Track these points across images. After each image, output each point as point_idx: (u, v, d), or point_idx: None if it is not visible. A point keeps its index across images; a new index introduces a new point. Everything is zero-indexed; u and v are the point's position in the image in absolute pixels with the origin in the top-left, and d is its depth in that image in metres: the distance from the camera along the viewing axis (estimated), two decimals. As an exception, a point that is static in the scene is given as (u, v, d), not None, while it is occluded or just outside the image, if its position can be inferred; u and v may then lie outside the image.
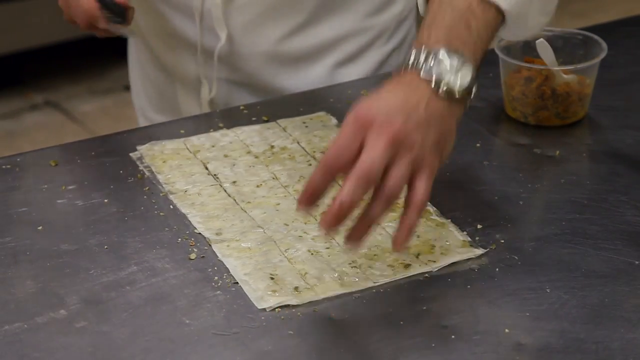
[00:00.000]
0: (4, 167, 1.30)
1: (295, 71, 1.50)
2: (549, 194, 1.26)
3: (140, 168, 1.29)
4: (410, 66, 1.06)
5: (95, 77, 3.51)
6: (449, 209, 1.21)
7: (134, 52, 1.65)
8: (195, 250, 1.15)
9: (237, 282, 1.10)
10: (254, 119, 1.39)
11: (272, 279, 1.10)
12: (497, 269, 1.12)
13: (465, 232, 1.17)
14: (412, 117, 1.03)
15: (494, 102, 1.43)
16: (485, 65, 1.47)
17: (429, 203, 1.22)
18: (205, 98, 1.52)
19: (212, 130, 1.37)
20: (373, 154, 1.00)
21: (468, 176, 1.28)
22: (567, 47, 1.42)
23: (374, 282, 1.10)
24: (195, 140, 1.35)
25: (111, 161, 1.31)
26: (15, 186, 1.27)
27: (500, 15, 1.12)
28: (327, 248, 1.14)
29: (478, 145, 1.34)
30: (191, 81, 1.53)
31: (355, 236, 1.03)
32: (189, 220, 1.20)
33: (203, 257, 1.14)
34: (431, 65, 1.05)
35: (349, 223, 1.02)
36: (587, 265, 1.12)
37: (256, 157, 1.31)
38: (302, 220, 1.19)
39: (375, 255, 1.14)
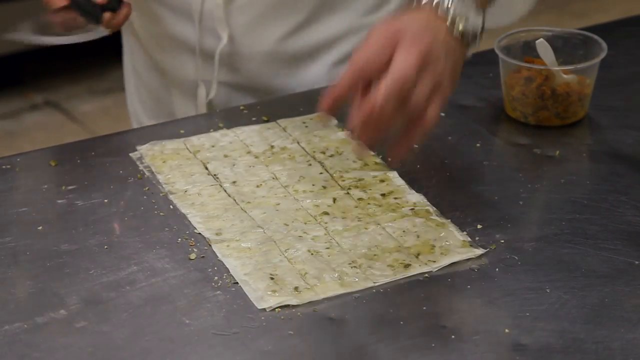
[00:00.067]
0: (4, 167, 1.30)
1: (295, 71, 1.50)
2: (549, 194, 1.26)
3: (140, 168, 1.29)
4: (427, 3, 1.11)
5: (95, 77, 3.51)
6: (449, 209, 1.21)
7: (129, 57, 1.64)
8: (195, 250, 1.15)
9: (237, 282, 1.10)
10: (254, 119, 1.39)
11: (272, 279, 1.10)
12: (497, 269, 1.12)
13: (465, 232, 1.17)
14: (437, 38, 1.08)
15: (494, 102, 1.43)
16: (485, 65, 1.48)
17: (428, 203, 1.22)
18: (202, 101, 1.51)
19: (212, 130, 1.37)
20: (407, 63, 1.05)
21: (468, 176, 1.28)
22: (567, 47, 1.42)
23: (374, 282, 1.10)
24: (195, 140, 1.35)
25: (111, 161, 1.30)
26: (15, 186, 1.27)
27: None
28: (327, 248, 1.14)
29: (478, 145, 1.34)
30: (188, 84, 1.53)
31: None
32: (189, 220, 1.20)
33: (203, 257, 1.14)
34: (448, 5, 1.11)
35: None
36: (587, 265, 1.12)
37: (256, 157, 1.31)
38: (302, 220, 1.19)
39: (375, 255, 1.14)
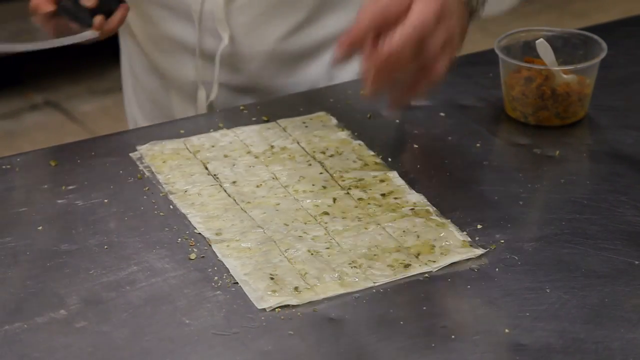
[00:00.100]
0: (4, 167, 1.30)
1: (294, 70, 1.50)
2: (549, 194, 1.26)
3: (140, 168, 1.29)
4: None
5: (95, 77, 3.51)
6: (449, 209, 1.21)
7: (126, 59, 1.63)
8: (195, 250, 1.15)
9: (237, 282, 1.10)
10: (254, 119, 1.39)
11: (272, 279, 1.10)
12: (497, 269, 1.12)
13: (465, 232, 1.17)
14: None
15: (494, 102, 1.43)
16: (485, 65, 1.48)
17: (428, 203, 1.22)
18: (202, 103, 1.51)
19: (212, 130, 1.37)
20: (427, 12, 1.07)
21: (468, 176, 1.28)
22: (567, 47, 1.42)
23: (374, 282, 1.10)
24: (195, 140, 1.35)
25: (111, 161, 1.30)
26: (15, 186, 1.27)
27: None
28: (327, 248, 1.14)
29: (478, 145, 1.34)
30: (187, 86, 1.52)
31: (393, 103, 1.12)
32: (189, 220, 1.20)
33: (203, 257, 1.14)
34: None
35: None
36: (587, 265, 1.12)
37: (256, 157, 1.31)
38: (302, 220, 1.19)
39: (375, 255, 1.14)
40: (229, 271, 1.11)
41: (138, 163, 1.30)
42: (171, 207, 1.22)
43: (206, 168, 1.29)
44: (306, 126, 1.37)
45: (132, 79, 1.62)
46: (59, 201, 1.23)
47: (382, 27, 1.08)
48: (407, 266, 1.12)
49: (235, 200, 1.23)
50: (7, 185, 1.27)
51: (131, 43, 1.58)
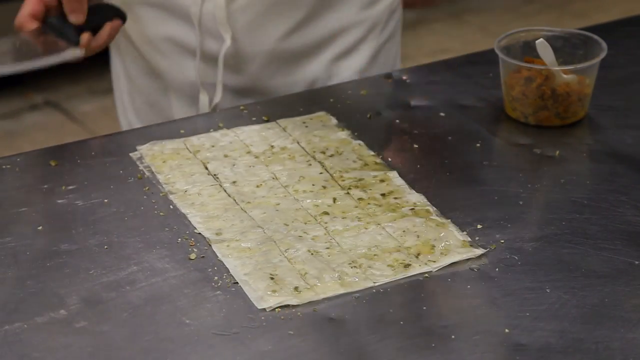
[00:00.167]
0: (4, 167, 1.30)
1: (294, 69, 1.50)
2: (549, 194, 1.26)
3: (140, 168, 1.29)
4: None
5: (95, 77, 3.51)
6: (449, 209, 1.21)
7: (120, 64, 1.60)
8: (195, 250, 1.15)
9: (237, 282, 1.10)
10: (254, 119, 1.39)
11: (272, 279, 1.10)
12: (497, 269, 1.12)
13: (465, 232, 1.17)
14: None
15: (494, 102, 1.43)
16: (485, 65, 1.48)
17: (428, 203, 1.22)
18: (204, 106, 1.50)
19: (212, 130, 1.37)
20: None
21: (468, 176, 1.28)
22: (567, 47, 1.42)
23: (374, 282, 1.10)
24: (195, 140, 1.35)
25: (111, 161, 1.30)
26: (15, 186, 1.27)
27: None
28: (327, 248, 1.14)
29: (478, 145, 1.34)
30: (187, 87, 1.51)
31: None
32: (189, 220, 1.20)
33: (203, 257, 1.14)
34: None
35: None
36: (587, 265, 1.12)
37: (256, 157, 1.31)
38: (302, 220, 1.19)
39: (375, 255, 1.14)
40: (229, 271, 1.11)
41: (138, 163, 1.30)
42: (171, 207, 1.22)
43: (206, 168, 1.29)
44: (306, 126, 1.37)
45: (128, 83, 1.60)
46: (59, 201, 1.23)
47: None
48: (407, 266, 1.12)
49: (235, 200, 1.23)
50: (7, 185, 1.27)
51: (126, 46, 1.56)
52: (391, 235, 1.16)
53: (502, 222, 1.19)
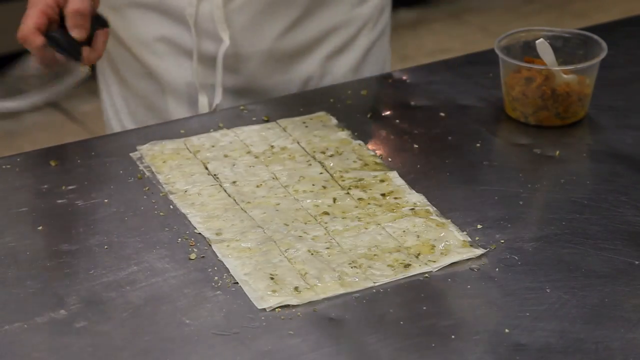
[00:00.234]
0: (4, 167, 1.30)
1: (289, 67, 1.50)
2: (549, 194, 1.26)
3: (140, 168, 1.29)
4: None
5: (95, 77, 3.51)
6: (449, 209, 1.21)
7: (109, 71, 1.57)
8: (195, 250, 1.15)
9: (237, 282, 1.10)
10: (254, 119, 1.39)
11: (272, 279, 1.10)
12: (497, 269, 1.12)
13: (465, 232, 1.17)
14: None
15: (494, 102, 1.43)
16: (485, 65, 1.48)
17: (428, 203, 1.22)
18: (204, 108, 1.49)
19: (212, 130, 1.37)
20: None
21: (468, 176, 1.28)
22: (567, 47, 1.42)
23: (374, 282, 1.10)
24: (195, 140, 1.35)
25: (111, 161, 1.30)
26: (15, 186, 1.27)
27: None
28: (327, 248, 1.14)
29: (478, 145, 1.34)
30: (184, 89, 1.50)
31: None
32: (189, 220, 1.20)
33: (203, 257, 1.14)
34: None
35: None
36: (587, 265, 1.12)
37: (256, 157, 1.31)
38: (302, 220, 1.19)
39: (375, 255, 1.14)
40: (229, 271, 1.11)
41: (138, 163, 1.30)
42: (171, 207, 1.22)
43: (206, 168, 1.29)
44: (306, 126, 1.37)
45: (121, 88, 1.57)
46: (59, 201, 1.23)
47: None
48: (407, 266, 1.12)
49: (235, 200, 1.23)
50: (7, 185, 1.27)
51: (117, 49, 1.54)
52: (391, 235, 1.16)
53: (502, 222, 1.19)
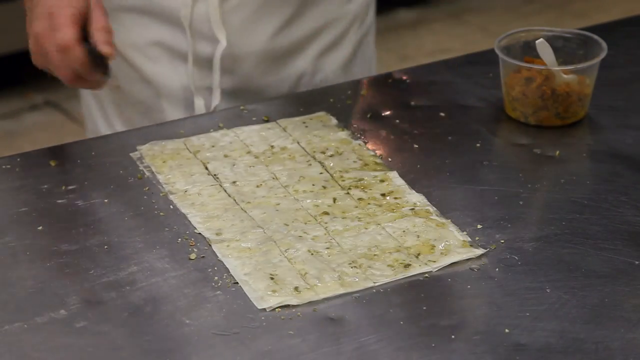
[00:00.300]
0: (4, 167, 1.30)
1: (283, 65, 1.50)
2: (549, 194, 1.26)
3: (140, 168, 1.29)
4: None
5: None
6: (449, 209, 1.21)
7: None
8: (195, 250, 1.15)
9: (237, 282, 1.10)
10: (254, 119, 1.39)
11: (272, 279, 1.10)
12: (497, 269, 1.12)
13: (465, 232, 1.17)
14: None
15: (494, 102, 1.43)
16: (485, 65, 1.48)
17: (428, 203, 1.22)
18: (200, 110, 1.48)
19: (212, 130, 1.37)
20: None
21: (468, 176, 1.28)
22: (567, 47, 1.42)
23: (374, 282, 1.10)
24: (195, 140, 1.35)
25: (111, 161, 1.30)
26: (15, 186, 1.27)
27: None
28: (327, 248, 1.14)
29: (478, 145, 1.34)
30: (180, 92, 1.49)
31: None
32: (189, 220, 1.20)
33: (203, 257, 1.14)
34: None
35: None
36: (587, 265, 1.12)
37: (256, 157, 1.31)
38: (302, 220, 1.19)
39: (375, 255, 1.14)
40: (229, 271, 1.11)
41: (138, 163, 1.30)
42: (171, 207, 1.22)
43: (206, 168, 1.29)
44: (306, 126, 1.37)
45: (113, 93, 1.54)
46: (59, 201, 1.23)
47: None
48: (407, 266, 1.12)
49: (235, 200, 1.23)
50: (7, 185, 1.27)
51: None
52: (391, 235, 1.16)
53: (502, 222, 1.19)
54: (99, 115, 1.58)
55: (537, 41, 1.36)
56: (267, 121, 1.39)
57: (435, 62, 1.58)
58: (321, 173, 1.27)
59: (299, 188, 1.25)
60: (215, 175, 1.28)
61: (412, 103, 1.43)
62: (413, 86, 1.48)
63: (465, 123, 1.39)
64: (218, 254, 1.14)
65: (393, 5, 3.81)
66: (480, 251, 1.14)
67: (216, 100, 1.47)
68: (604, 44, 1.40)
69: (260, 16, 1.45)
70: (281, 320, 1.05)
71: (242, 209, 1.21)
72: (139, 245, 1.16)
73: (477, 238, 1.16)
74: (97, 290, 1.09)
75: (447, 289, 1.10)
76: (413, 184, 1.25)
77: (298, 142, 1.34)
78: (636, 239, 1.17)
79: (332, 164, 1.29)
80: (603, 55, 1.38)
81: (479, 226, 1.18)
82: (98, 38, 1.25)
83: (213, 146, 1.33)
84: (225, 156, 1.31)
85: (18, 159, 1.31)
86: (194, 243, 1.16)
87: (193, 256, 1.14)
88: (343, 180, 1.26)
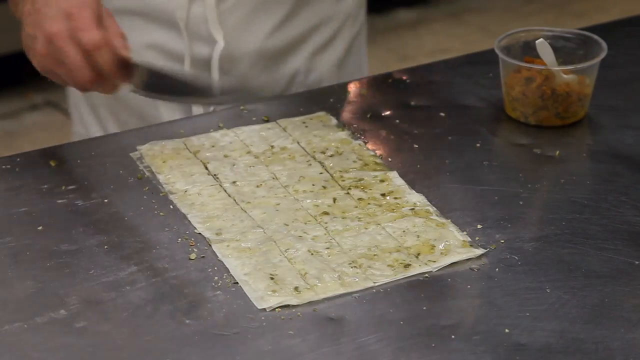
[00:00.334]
0: (4, 167, 1.30)
1: (278, 65, 1.50)
2: (549, 194, 1.26)
3: (140, 168, 1.29)
4: None
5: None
6: (449, 209, 1.21)
7: None
8: (195, 250, 1.15)
9: (237, 282, 1.10)
10: (254, 119, 1.39)
11: (272, 279, 1.10)
12: (497, 269, 1.12)
13: (465, 232, 1.17)
14: None
15: (494, 102, 1.43)
16: (485, 65, 1.48)
17: (428, 203, 1.22)
18: (197, 112, 1.48)
19: (212, 130, 1.37)
20: None
21: (468, 176, 1.28)
22: (567, 47, 1.42)
23: (374, 282, 1.10)
24: (195, 140, 1.35)
25: (111, 161, 1.30)
26: (15, 186, 1.27)
27: None
28: (327, 248, 1.14)
29: (478, 145, 1.34)
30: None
31: None
32: (189, 220, 1.20)
33: (203, 257, 1.14)
34: None
35: None
36: (587, 265, 1.12)
37: (256, 157, 1.31)
38: (302, 220, 1.19)
39: (375, 255, 1.14)
40: (229, 271, 1.11)
41: (138, 163, 1.30)
42: (171, 207, 1.22)
43: (206, 168, 1.29)
44: (306, 126, 1.37)
45: (107, 98, 1.52)
46: (59, 201, 1.23)
47: None
48: (407, 266, 1.12)
49: (235, 200, 1.23)
50: (7, 185, 1.27)
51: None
52: (391, 235, 1.16)
53: (502, 222, 1.19)
54: (91, 119, 1.56)
55: (537, 41, 1.36)
56: (267, 121, 1.39)
57: (435, 62, 1.58)
58: (321, 173, 1.27)
59: (299, 188, 1.25)
60: (215, 175, 1.28)
61: (412, 103, 1.43)
62: (413, 86, 1.48)
63: (465, 123, 1.39)
64: (218, 254, 1.14)
65: (393, 5, 3.80)
66: (480, 251, 1.14)
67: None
68: (604, 44, 1.40)
69: (257, 16, 1.45)
70: (281, 320, 1.05)
71: (242, 209, 1.21)
72: (139, 245, 1.16)
73: (477, 238, 1.16)
74: (97, 290, 1.09)
75: (447, 289, 1.10)
76: (413, 184, 1.25)
77: (298, 142, 1.34)
78: (636, 239, 1.17)
79: (332, 164, 1.29)
80: (603, 55, 1.38)
81: (479, 226, 1.18)
82: (117, 43, 1.23)
83: (213, 146, 1.33)
84: (225, 156, 1.31)
85: (18, 159, 1.31)
86: (194, 243, 1.16)
87: (193, 256, 1.14)
88: (343, 180, 1.26)
